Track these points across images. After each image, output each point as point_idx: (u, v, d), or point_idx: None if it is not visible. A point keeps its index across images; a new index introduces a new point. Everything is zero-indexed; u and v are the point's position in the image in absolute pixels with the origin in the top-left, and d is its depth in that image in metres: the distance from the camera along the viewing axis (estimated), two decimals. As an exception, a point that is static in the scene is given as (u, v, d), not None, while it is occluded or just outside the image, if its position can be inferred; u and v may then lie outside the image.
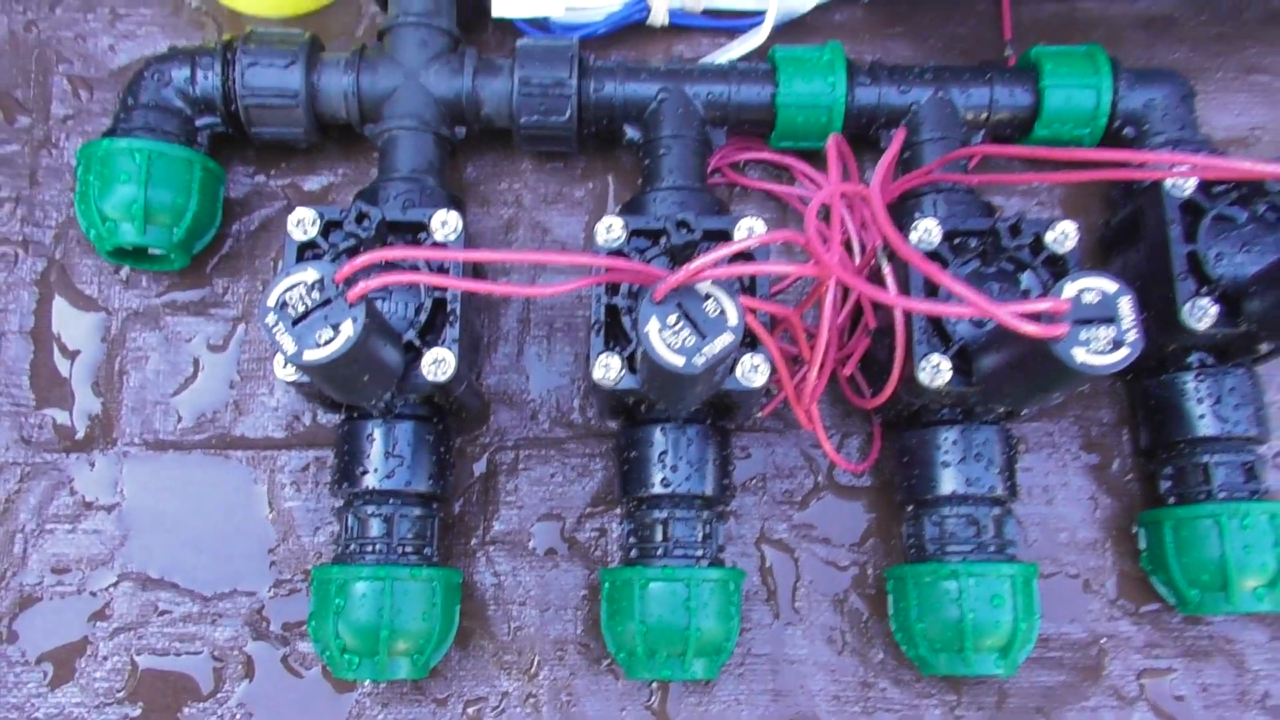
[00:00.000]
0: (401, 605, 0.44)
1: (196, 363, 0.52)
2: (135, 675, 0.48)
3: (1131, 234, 0.49)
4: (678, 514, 0.46)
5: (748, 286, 0.43)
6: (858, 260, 0.49)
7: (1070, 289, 0.36)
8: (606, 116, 0.52)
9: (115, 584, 0.50)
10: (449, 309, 0.43)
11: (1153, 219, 0.47)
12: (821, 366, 0.45)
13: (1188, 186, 0.46)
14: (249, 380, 0.52)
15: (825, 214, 0.51)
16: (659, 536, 0.46)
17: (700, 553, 0.46)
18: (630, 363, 0.42)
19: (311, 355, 0.35)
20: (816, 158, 0.54)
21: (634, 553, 0.47)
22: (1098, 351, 0.36)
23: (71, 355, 0.52)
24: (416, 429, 0.46)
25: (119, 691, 0.48)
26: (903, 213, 0.50)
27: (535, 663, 0.49)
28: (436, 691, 0.48)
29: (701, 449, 0.46)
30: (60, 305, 0.53)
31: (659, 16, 0.55)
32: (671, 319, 0.36)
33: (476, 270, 0.49)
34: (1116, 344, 0.36)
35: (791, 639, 0.50)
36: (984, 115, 0.52)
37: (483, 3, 0.54)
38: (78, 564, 0.50)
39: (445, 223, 0.44)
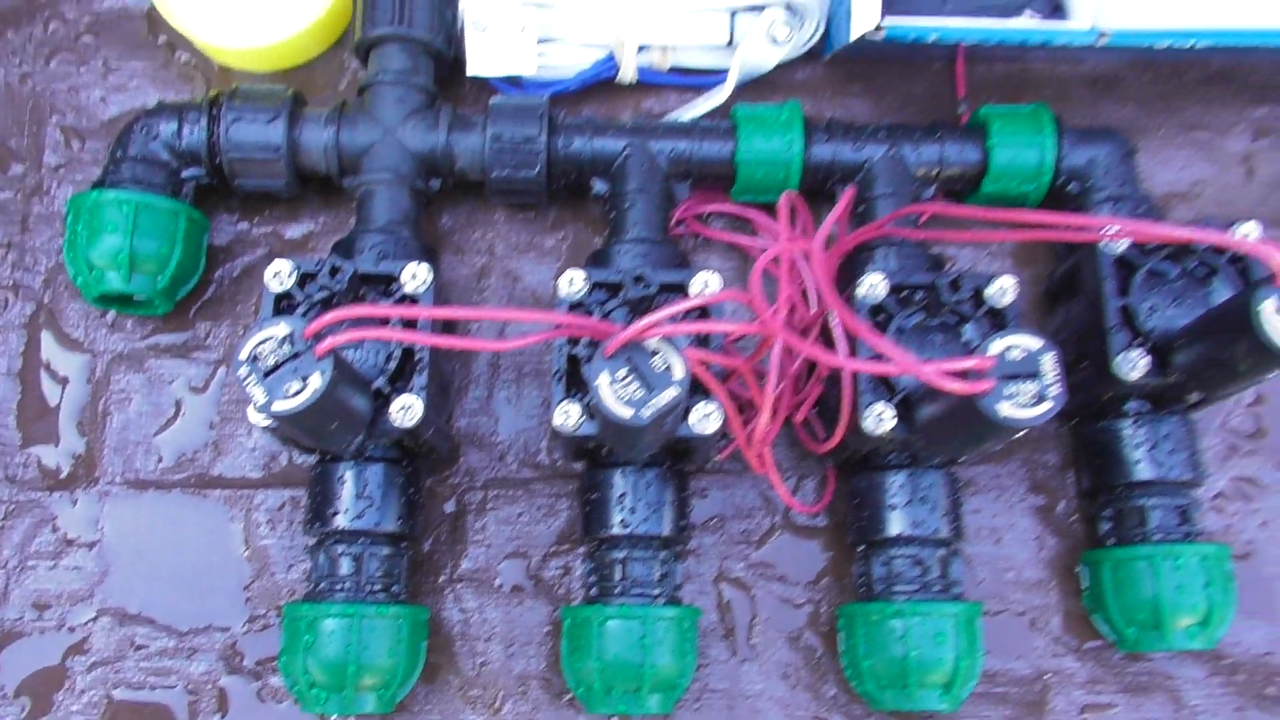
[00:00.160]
0: (368, 641, 0.46)
1: (178, 404, 0.54)
2: (111, 708, 0.50)
3: (1072, 287, 0.52)
4: (635, 554, 0.48)
5: (702, 338, 0.45)
6: (813, 310, 0.51)
7: (997, 346, 0.38)
8: (575, 171, 0.54)
9: (94, 619, 0.51)
10: (416, 358, 0.45)
11: (1089, 273, 0.49)
12: (774, 413, 0.47)
13: (1121, 243, 0.48)
14: (228, 421, 0.54)
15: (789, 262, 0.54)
16: (617, 575, 0.48)
17: (657, 591, 0.48)
18: (589, 410, 0.44)
19: (280, 406, 0.37)
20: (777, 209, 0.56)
21: (594, 591, 0.49)
22: (1022, 405, 0.38)
23: (58, 396, 0.54)
24: (386, 471, 0.48)
25: (96, 723, 0.50)
26: (856, 265, 0.52)
27: (499, 697, 0.51)
28: (404, 724, 0.50)
29: (659, 492, 0.48)
30: (48, 348, 0.55)
31: (628, 74, 0.58)
32: (621, 373, 0.38)
33: (447, 321, 0.51)
34: (1040, 398, 0.38)
35: (747, 674, 0.52)
36: (935, 171, 0.54)
37: (461, 60, 0.56)
38: (58, 599, 0.51)
39: (415, 275, 0.46)
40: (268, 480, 0.53)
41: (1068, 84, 0.60)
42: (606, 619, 0.47)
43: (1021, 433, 0.40)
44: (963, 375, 0.38)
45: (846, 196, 0.51)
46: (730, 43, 0.57)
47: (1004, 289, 0.47)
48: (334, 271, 0.45)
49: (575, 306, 0.47)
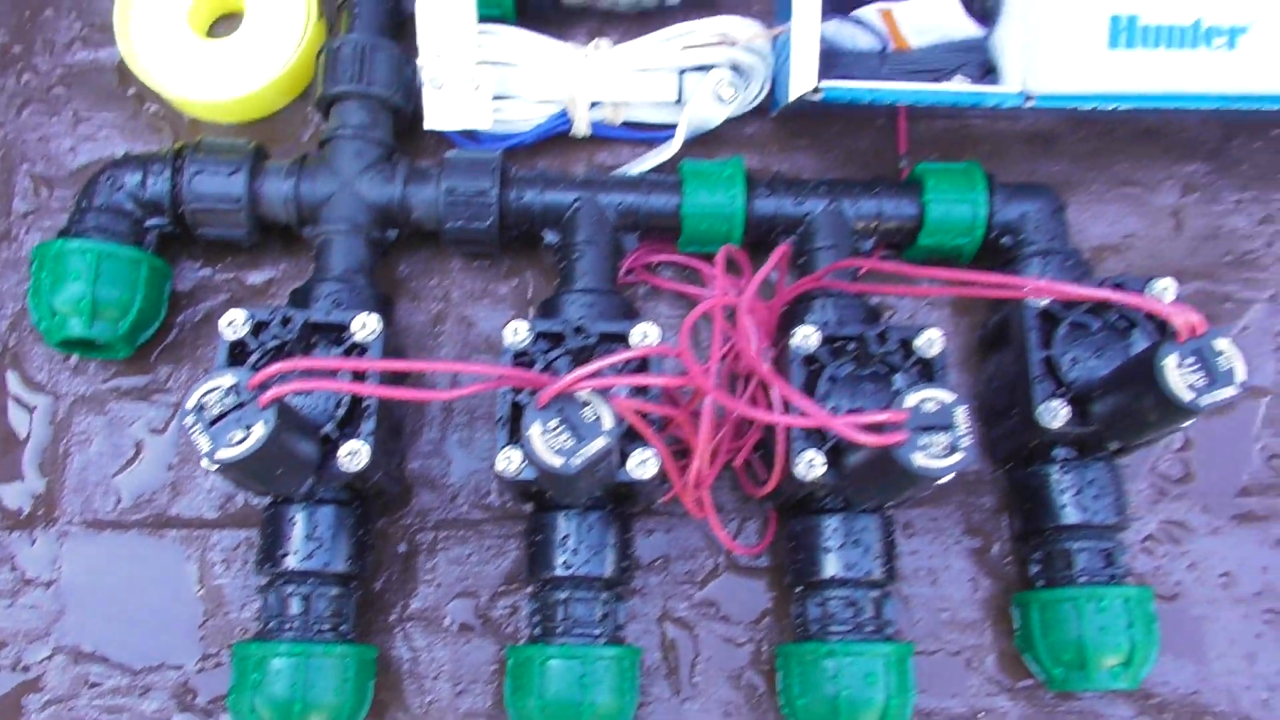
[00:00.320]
0: (315, 680, 0.47)
1: (138, 445, 0.56)
2: (64, 745, 0.51)
3: (1002, 337, 0.54)
4: (577, 595, 0.49)
5: (642, 386, 0.47)
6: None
7: (913, 399, 0.40)
8: (527, 222, 0.56)
9: (49, 657, 0.52)
10: (365, 404, 0.47)
11: (1016, 325, 0.51)
12: (712, 459, 0.49)
13: (1045, 297, 0.51)
14: (186, 463, 0.55)
15: (731, 314, 0.55)
16: (559, 616, 0.49)
17: (598, 631, 0.49)
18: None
19: (224, 454, 0.38)
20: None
21: (537, 630, 0.50)
22: (935, 456, 0.40)
23: (21, 438, 0.56)
24: (336, 513, 0.49)
25: (49, 760, 0.51)
26: (797, 315, 0.55)
27: (446, 734, 0.52)
28: (352, 762, 0.51)
29: (601, 534, 0.50)
30: (12, 389, 0.56)
31: (581, 129, 0.60)
32: (553, 423, 0.40)
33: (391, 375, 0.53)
34: (952, 449, 0.40)
35: (689, 713, 0.53)
36: (873, 225, 0.57)
37: (420, 113, 0.58)
38: (14, 638, 0.53)
39: (364, 325, 0.48)
40: (223, 520, 0.54)
41: (1005, 140, 0.62)
42: (548, 658, 0.48)
43: (943, 479, 0.42)
44: (878, 427, 0.39)
45: (778, 252, 0.53)
46: (679, 100, 0.60)
47: (931, 340, 0.49)
48: (285, 321, 0.46)
49: (520, 355, 0.49)
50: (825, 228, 0.56)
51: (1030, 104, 0.54)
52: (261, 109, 0.61)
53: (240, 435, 0.39)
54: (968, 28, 0.56)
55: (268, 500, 0.50)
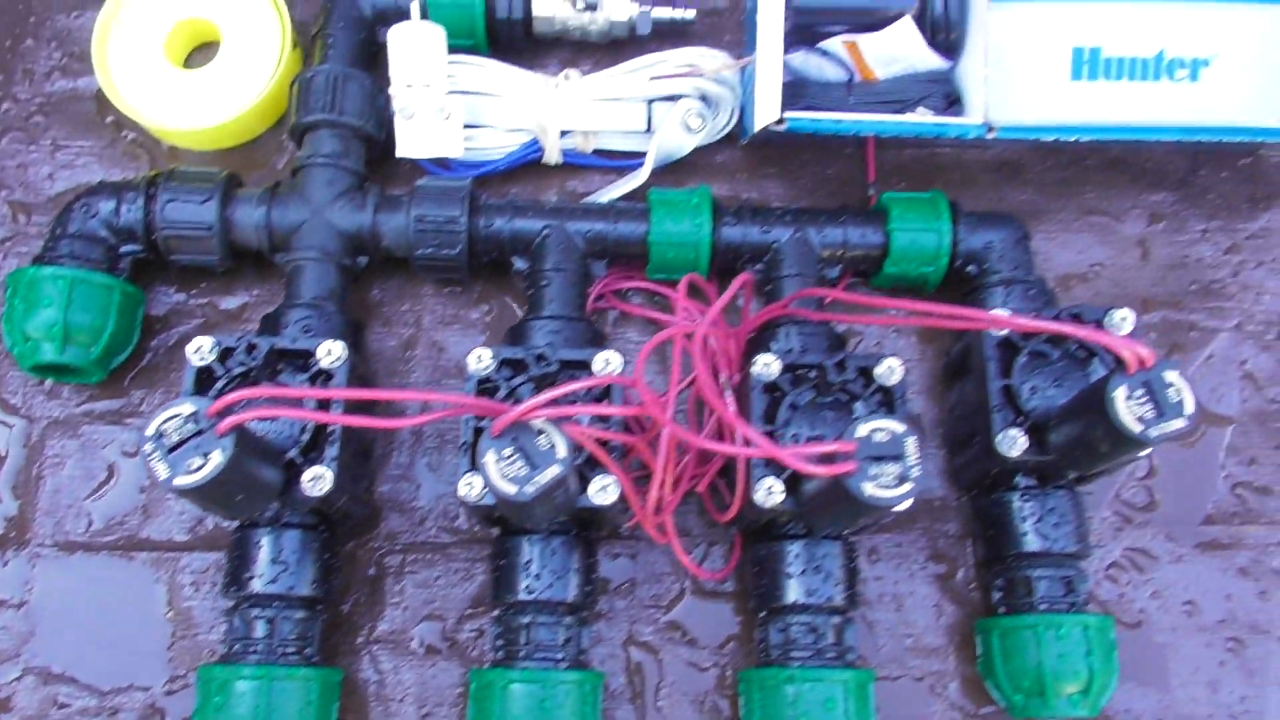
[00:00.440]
0: (279, 703, 0.47)
1: (111, 469, 0.56)
2: (31, 767, 0.52)
3: (964, 365, 0.54)
4: (540, 619, 0.50)
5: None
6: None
7: (863, 429, 0.41)
8: (496, 249, 0.57)
9: (19, 678, 0.53)
10: (329, 430, 0.47)
11: (976, 354, 0.52)
12: (675, 485, 0.49)
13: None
14: (158, 486, 0.56)
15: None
16: (522, 640, 0.50)
17: (560, 656, 0.50)
18: (491, 482, 0.46)
19: (181, 481, 0.39)
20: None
21: (500, 654, 0.50)
22: (885, 486, 0.40)
23: (-6, 460, 0.56)
24: (302, 537, 0.50)
25: (15, 783, 0.51)
26: (761, 343, 0.55)
27: (410, 758, 0.52)
28: (316, 785, 0.51)
29: (565, 559, 0.50)
30: (-13, 413, 0.57)
31: (552, 156, 0.61)
32: (507, 451, 0.40)
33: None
34: (902, 479, 0.40)
35: (653, 738, 0.53)
36: (839, 253, 0.57)
37: (392, 141, 0.59)
38: (-18, 660, 0.53)
39: (330, 352, 0.49)
40: (194, 543, 0.55)
41: (973, 169, 0.63)
42: (510, 682, 0.48)
43: (898, 507, 0.42)
44: (829, 458, 0.40)
45: (737, 282, 0.53)
46: (648, 129, 0.60)
47: (891, 369, 0.49)
48: (250, 348, 0.47)
49: (483, 382, 0.49)
50: (791, 255, 0.57)
51: (992, 135, 0.54)
52: (238, 136, 0.62)
53: (198, 463, 0.39)
54: (931, 60, 0.57)
55: (236, 523, 0.51)
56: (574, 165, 0.62)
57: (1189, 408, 0.42)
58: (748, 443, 0.40)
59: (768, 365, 0.49)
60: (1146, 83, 0.58)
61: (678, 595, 0.56)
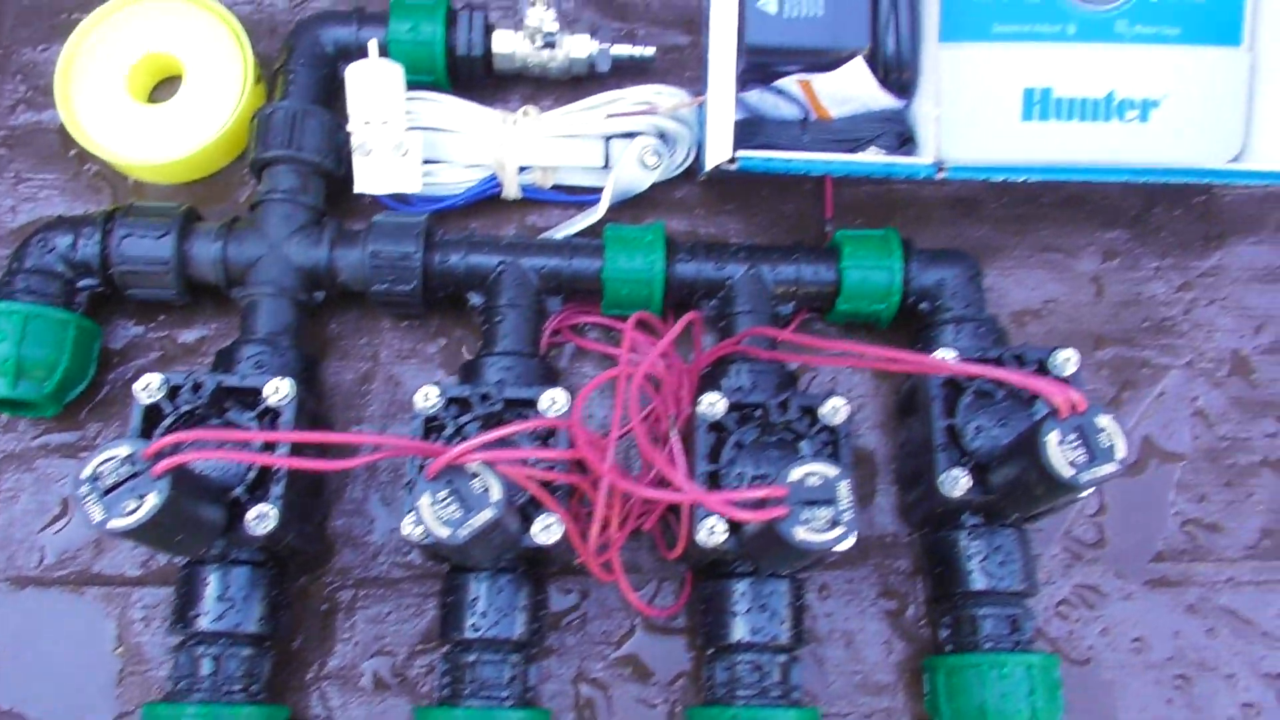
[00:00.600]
0: (222, 741, 0.47)
1: (65, 502, 0.56)
2: (-24, 803, 0.51)
3: (912, 404, 0.55)
4: (485, 657, 0.50)
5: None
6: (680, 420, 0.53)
7: (796, 473, 0.41)
8: (451, 285, 0.57)
9: (-34, 713, 0.53)
10: (274, 468, 0.48)
11: (922, 393, 0.52)
12: (623, 521, 0.50)
13: (950, 364, 0.51)
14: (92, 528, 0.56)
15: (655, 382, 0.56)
16: (467, 678, 0.50)
17: (505, 694, 0.50)
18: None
19: (116, 524, 0.39)
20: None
21: (446, 692, 0.50)
22: (816, 530, 0.41)
23: (-51, 493, 0.56)
24: (250, 574, 0.50)
25: (-40, 818, 0.51)
26: (715, 379, 0.55)
27: (357, 795, 0.52)
28: (262, 822, 0.51)
29: (512, 596, 0.50)
30: (-57, 445, 0.57)
31: (511, 192, 0.61)
32: (441, 494, 0.40)
33: (316, 429, 0.54)
34: (834, 523, 0.41)
35: (601, 775, 0.53)
36: (792, 289, 0.58)
37: (352, 176, 0.60)
38: (-71, 695, 0.53)
39: (277, 390, 0.49)
40: (146, 578, 0.55)
41: (929, 205, 0.64)
42: (453, 721, 0.48)
43: (841, 546, 0.43)
44: (761, 502, 0.40)
45: (682, 322, 0.54)
46: (606, 165, 0.61)
47: (836, 409, 0.50)
48: (196, 387, 0.47)
49: (431, 420, 0.49)
50: (745, 292, 0.57)
51: (942, 175, 0.55)
52: (201, 170, 0.63)
53: (133, 505, 0.39)
54: (883, 99, 0.57)
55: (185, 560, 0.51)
56: (533, 200, 0.63)
57: (1120, 452, 0.42)
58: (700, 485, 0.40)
59: (713, 404, 0.50)
60: (1097, 123, 0.58)
61: (629, 631, 0.56)
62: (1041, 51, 0.58)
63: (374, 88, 0.58)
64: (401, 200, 0.61)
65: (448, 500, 0.40)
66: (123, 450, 0.40)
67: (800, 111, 0.60)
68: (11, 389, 0.53)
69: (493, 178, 0.61)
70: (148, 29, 0.62)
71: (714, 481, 0.49)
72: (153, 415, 0.49)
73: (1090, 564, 0.57)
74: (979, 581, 0.52)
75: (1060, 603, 0.57)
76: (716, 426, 0.50)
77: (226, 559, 0.49)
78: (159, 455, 0.40)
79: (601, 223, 0.61)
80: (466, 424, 0.49)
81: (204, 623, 0.49)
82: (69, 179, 0.63)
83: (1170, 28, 0.58)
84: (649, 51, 0.63)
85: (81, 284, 0.56)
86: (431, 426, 0.50)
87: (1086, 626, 0.56)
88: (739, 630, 0.50)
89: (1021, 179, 0.56)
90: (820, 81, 0.57)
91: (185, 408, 0.48)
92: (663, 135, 0.61)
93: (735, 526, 0.47)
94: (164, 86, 0.64)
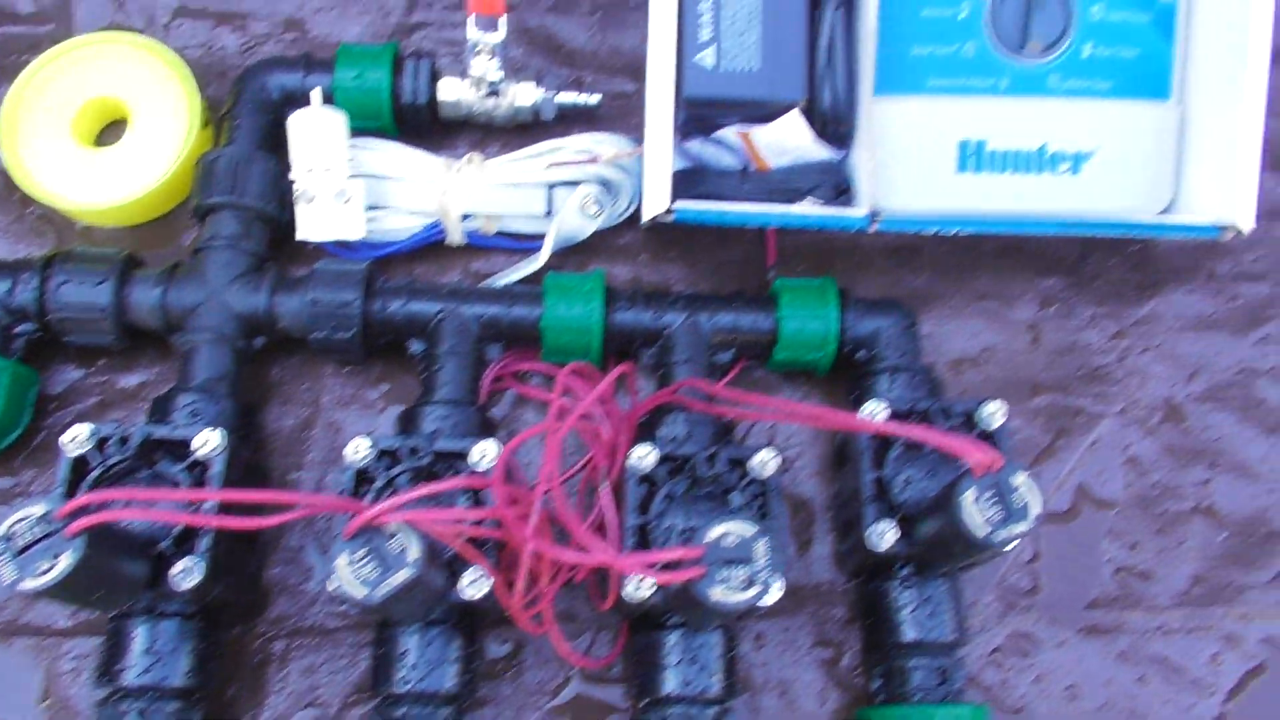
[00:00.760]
0: (146, 797, 0.47)
1: (-2, 549, 0.56)
2: None
3: (845, 454, 0.55)
4: (415, 711, 0.50)
5: (476, 500, 0.48)
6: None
7: (714, 532, 0.42)
8: (391, 332, 0.58)
9: (-110, 766, 0.52)
10: (202, 521, 0.48)
11: (853, 445, 0.53)
12: (554, 574, 0.50)
13: (881, 417, 0.52)
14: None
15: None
16: (396, 732, 0.50)
17: (435, 747, 0.50)
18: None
19: (29, 584, 0.39)
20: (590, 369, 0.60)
21: (376, 745, 0.50)
22: (733, 589, 0.41)
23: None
24: (179, 627, 0.50)
25: None
26: (652, 427, 0.56)
27: None
28: None
29: (443, 649, 0.50)
30: (-123, 491, 0.57)
31: (455, 238, 0.62)
32: (360, 553, 0.40)
33: (251, 479, 0.54)
34: (750, 582, 0.41)
35: (533, 826, 0.53)
36: (730, 338, 0.58)
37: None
38: None
39: (207, 442, 0.49)
40: (76, 629, 0.55)
41: (869, 253, 0.64)
42: (381, 775, 0.48)
43: (768, 600, 0.43)
44: (677, 564, 0.41)
45: (612, 375, 0.54)
46: (549, 213, 0.61)
47: (764, 462, 0.50)
48: (124, 440, 0.47)
49: (362, 473, 0.50)
50: (682, 341, 0.57)
51: (874, 227, 0.56)
52: (147, 214, 0.63)
53: (47, 565, 0.39)
54: (820, 151, 0.58)
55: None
56: (478, 246, 0.63)
57: (1034, 510, 0.43)
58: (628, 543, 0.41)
59: (642, 457, 0.50)
60: (1030, 175, 0.59)
61: (565, 681, 0.56)
62: (976, 105, 0.59)
63: (316, 136, 0.58)
64: (345, 246, 0.61)
65: (365, 560, 0.40)
66: (37, 510, 0.40)
67: (740, 161, 0.60)
68: (-58, 437, 0.53)
69: (436, 224, 0.62)
70: (94, 73, 0.63)
71: (643, 534, 0.49)
72: (81, 467, 0.49)
73: (1024, 612, 0.58)
74: (909, 632, 0.52)
75: (994, 650, 0.57)
76: (647, 479, 0.51)
77: (154, 611, 0.49)
78: (74, 514, 0.40)
79: (544, 270, 0.61)
80: (397, 476, 0.50)
81: (129, 677, 0.49)
82: (13, 221, 0.63)
83: (1101, 82, 0.59)
84: (594, 99, 0.64)
85: (18, 330, 0.56)
86: (362, 479, 0.50)
87: (1020, 675, 0.57)
88: (670, 682, 0.51)
89: (954, 231, 0.57)
90: (758, 133, 0.58)
91: (114, 459, 0.48)
92: (605, 183, 0.61)
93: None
94: (112, 130, 0.64)
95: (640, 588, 0.47)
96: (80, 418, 0.59)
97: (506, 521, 0.42)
